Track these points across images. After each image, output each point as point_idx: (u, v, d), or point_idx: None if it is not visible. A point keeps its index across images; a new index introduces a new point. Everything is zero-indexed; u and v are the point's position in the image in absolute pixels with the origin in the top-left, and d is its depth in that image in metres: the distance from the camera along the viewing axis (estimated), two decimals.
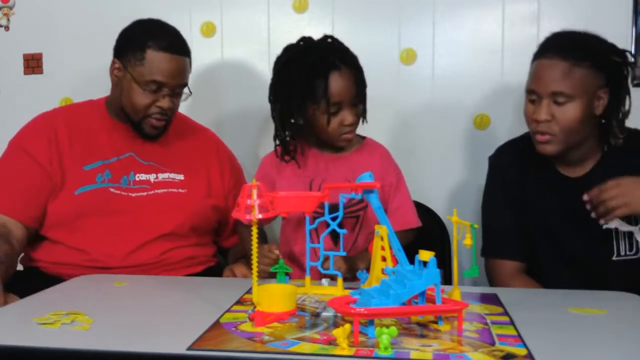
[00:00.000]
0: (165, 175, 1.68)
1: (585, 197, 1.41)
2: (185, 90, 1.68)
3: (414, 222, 1.59)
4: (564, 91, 1.42)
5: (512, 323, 1.10)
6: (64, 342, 1.00)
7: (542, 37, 1.92)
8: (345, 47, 1.55)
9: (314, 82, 1.48)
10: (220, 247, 1.83)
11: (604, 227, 1.43)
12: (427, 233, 1.73)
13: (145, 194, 1.63)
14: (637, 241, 1.48)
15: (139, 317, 1.18)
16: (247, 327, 1.06)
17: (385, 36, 2.02)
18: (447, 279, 1.57)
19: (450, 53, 2.01)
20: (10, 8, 2.23)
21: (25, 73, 2.23)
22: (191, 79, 2.13)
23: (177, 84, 1.63)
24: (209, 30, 2.12)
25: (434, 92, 2.00)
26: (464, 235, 1.12)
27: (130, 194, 1.62)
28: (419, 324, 1.08)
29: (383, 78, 1.97)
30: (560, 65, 1.43)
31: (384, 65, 2.01)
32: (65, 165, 1.61)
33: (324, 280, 1.34)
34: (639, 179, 1.40)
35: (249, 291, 1.24)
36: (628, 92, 1.48)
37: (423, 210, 1.81)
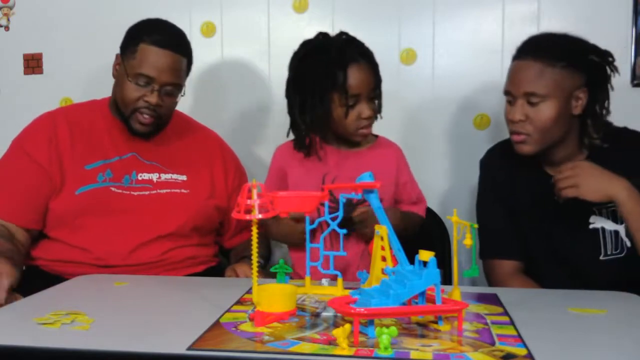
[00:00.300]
0: (168, 175, 1.68)
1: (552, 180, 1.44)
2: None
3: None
4: (536, 91, 1.44)
5: (512, 323, 1.10)
6: (64, 342, 1.00)
7: None
8: (362, 43, 1.57)
9: (334, 74, 1.49)
10: (222, 247, 1.83)
11: (591, 226, 1.46)
12: (427, 233, 1.74)
13: (147, 193, 1.63)
14: (622, 240, 1.49)
15: (139, 317, 1.18)
16: (247, 327, 1.06)
17: (385, 36, 2.02)
18: (447, 279, 1.57)
19: (450, 53, 2.01)
20: (10, 8, 2.23)
21: (25, 73, 2.23)
22: (191, 79, 2.14)
23: (167, 81, 1.61)
24: (209, 30, 2.13)
25: (434, 92, 2.00)
26: (464, 235, 1.12)
27: (132, 192, 1.62)
28: (419, 324, 1.08)
29: (383, 78, 1.95)
30: (533, 66, 1.45)
31: (384, 65, 1.97)
32: (65, 165, 1.62)
33: (324, 280, 1.34)
34: (598, 167, 1.42)
35: (249, 291, 1.24)
36: (607, 93, 1.50)
37: None
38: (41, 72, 2.22)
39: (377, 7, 2.03)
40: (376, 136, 1.66)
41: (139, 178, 1.65)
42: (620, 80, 1.90)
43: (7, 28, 2.23)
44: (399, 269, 1.10)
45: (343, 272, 1.30)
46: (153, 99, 1.60)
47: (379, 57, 1.98)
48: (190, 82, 2.12)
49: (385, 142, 1.66)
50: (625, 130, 1.56)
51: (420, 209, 1.67)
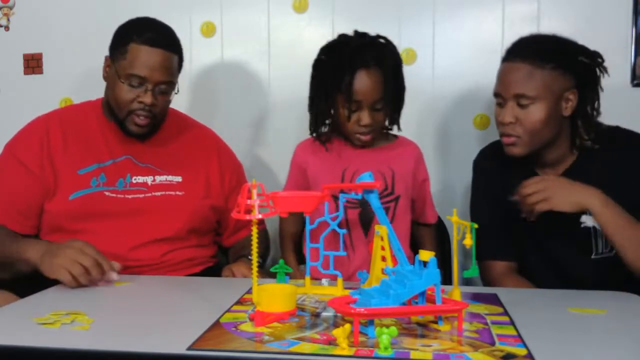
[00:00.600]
0: (163, 177, 1.66)
1: (513, 198, 1.44)
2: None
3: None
4: (525, 93, 1.44)
5: (512, 323, 1.10)
6: (64, 342, 1.00)
7: None
8: (385, 49, 1.57)
9: (342, 75, 1.51)
10: (221, 246, 1.83)
11: (582, 226, 1.46)
12: None
13: (142, 196, 1.62)
14: None
15: (139, 317, 1.18)
16: (247, 327, 1.06)
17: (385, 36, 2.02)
18: (447, 279, 1.57)
19: (450, 53, 2.01)
20: (10, 8, 2.23)
21: (25, 73, 2.23)
22: (191, 78, 2.14)
23: (160, 80, 1.59)
24: (209, 30, 2.12)
25: (434, 92, 2.00)
26: (464, 235, 1.12)
27: (126, 196, 1.61)
28: (419, 324, 1.08)
29: None
30: (522, 68, 1.45)
31: None
32: (58, 170, 1.59)
33: (324, 280, 1.34)
34: (566, 179, 1.43)
35: (249, 291, 1.24)
36: (597, 93, 1.50)
37: None
38: (41, 72, 2.22)
39: (377, 7, 2.02)
40: (396, 136, 1.68)
41: (133, 181, 1.63)
42: (620, 80, 1.91)
43: (7, 28, 2.23)
44: (399, 269, 1.11)
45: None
46: (147, 99, 1.58)
47: None
48: (190, 82, 2.13)
49: (405, 141, 1.68)
50: (617, 129, 1.56)
51: (434, 211, 1.73)
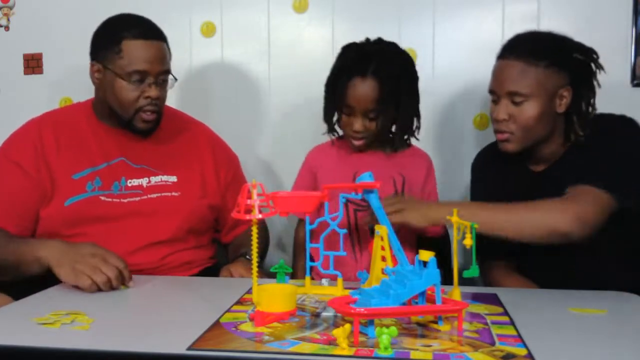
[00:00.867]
0: (158, 178, 1.64)
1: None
2: (170, 77, 1.63)
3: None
4: (519, 91, 1.45)
5: (512, 323, 1.10)
6: (64, 342, 1.00)
7: None
8: (389, 60, 1.57)
9: (339, 80, 1.56)
10: (220, 242, 1.82)
11: None
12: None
13: (138, 199, 1.60)
14: None
15: (139, 317, 1.18)
16: (247, 327, 1.06)
17: (385, 36, 2.00)
18: (447, 279, 1.57)
19: (450, 53, 2.01)
20: (10, 8, 2.23)
21: (25, 73, 2.23)
22: (191, 78, 2.14)
23: (160, 71, 1.58)
24: (209, 30, 2.12)
25: (434, 92, 2.00)
26: (464, 235, 1.12)
27: (122, 200, 1.59)
28: (419, 324, 1.08)
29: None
30: (516, 65, 1.46)
31: None
32: (54, 174, 1.57)
33: (324, 280, 1.34)
34: (424, 200, 1.50)
35: (249, 291, 1.24)
36: (592, 90, 1.50)
37: None
38: (41, 72, 2.22)
39: (377, 7, 2.02)
40: (409, 144, 1.69)
41: (129, 184, 1.61)
42: (620, 80, 1.91)
43: (7, 28, 2.23)
44: (399, 269, 1.11)
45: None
46: (153, 92, 1.57)
47: None
48: (189, 82, 2.13)
49: (418, 151, 1.71)
50: (600, 117, 1.55)
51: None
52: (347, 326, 0.96)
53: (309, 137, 2.03)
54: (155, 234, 1.59)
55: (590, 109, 1.51)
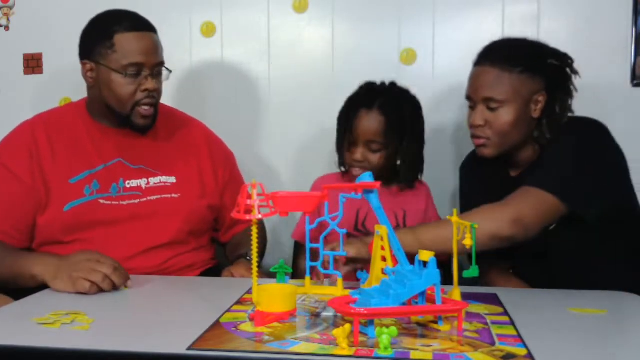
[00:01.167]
0: (157, 179, 1.63)
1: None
2: (165, 69, 1.62)
3: None
4: (494, 97, 1.47)
5: (512, 323, 1.10)
6: (64, 342, 1.00)
7: (542, 37, 1.91)
8: (395, 98, 1.67)
9: (348, 113, 1.66)
10: (219, 242, 1.81)
11: None
12: None
13: (137, 201, 1.58)
14: None
15: (139, 317, 1.18)
16: (247, 327, 1.06)
17: (385, 36, 2.02)
18: (447, 279, 1.57)
19: (450, 53, 2.01)
20: (10, 8, 2.23)
21: (25, 73, 2.23)
22: (191, 78, 2.14)
23: (154, 62, 1.57)
24: (209, 30, 2.12)
25: (434, 92, 2.00)
26: (464, 235, 1.12)
27: (121, 202, 1.57)
28: (419, 324, 1.08)
29: (383, 78, 1.97)
30: (491, 72, 1.49)
31: (384, 65, 2.00)
32: (49, 179, 1.54)
33: (325, 281, 1.34)
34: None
35: (249, 291, 1.24)
36: (569, 94, 1.52)
37: None
38: (41, 72, 2.22)
39: (377, 7, 2.02)
40: (414, 185, 1.74)
41: (127, 186, 1.59)
42: (620, 80, 1.91)
43: (7, 28, 2.23)
44: (399, 269, 1.11)
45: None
46: (150, 85, 1.55)
47: (379, 57, 2.00)
48: (189, 82, 2.13)
49: (417, 184, 1.76)
50: (572, 120, 1.55)
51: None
52: (347, 326, 0.96)
53: (309, 138, 2.03)
54: (155, 238, 1.57)
55: (563, 113, 1.51)
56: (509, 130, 1.48)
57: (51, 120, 1.65)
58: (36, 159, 1.55)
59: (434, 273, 1.05)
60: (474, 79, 1.53)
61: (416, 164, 1.72)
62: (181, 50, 2.10)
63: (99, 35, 1.58)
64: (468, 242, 1.11)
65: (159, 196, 1.61)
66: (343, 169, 1.74)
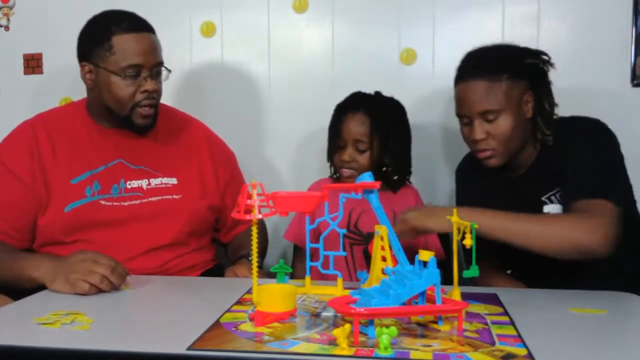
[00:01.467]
0: (158, 180, 1.62)
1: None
2: (164, 69, 1.61)
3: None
4: (490, 108, 1.48)
5: (512, 323, 1.10)
6: (64, 342, 1.00)
7: (542, 37, 1.93)
8: (381, 103, 1.73)
9: (336, 119, 1.73)
10: (220, 242, 1.81)
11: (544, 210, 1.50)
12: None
13: (138, 202, 1.58)
14: None
15: (139, 317, 1.18)
16: (247, 327, 1.06)
17: (385, 36, 2.02)
18: (447, 279, 1.57)
19: (450, 53, 2.00)
20: (10, 8, 2.23)
21: (25, 73, 2.23)
22: (191, 78, 2.14)
23: (153, 63, 1.56)
24: (209, 30, 2.12)
25: (434, 92, 2.00)
26: (464, 235, 1.12)
27: (122, 203, 1.56)
28: (419, 324, 1.08)
29: (383, 78, 1.97)
30: (480, 84, 1.49)
31: (384, 65, 2.01)
32: (50, 180, 1.54)
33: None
34: (445, 207, 1.44)
35: (249, 291, 1.24)
36: (549, 88, 1.53)
37: None
38: (41, 72, 2.22)
39: (377, 7, 2.02)
40: (403, 185, 1.77)
41: (128, 186, 1.58)
42: (620, 80, 1.91)
43: (7, 28, 2.23)
44: (399, 269, 1.11)
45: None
46: (149, 86, 1.55)
47: (378, 57, 2.00)
48: (189, 82, 2.13)
49: (406, 187, 1.79)
50: (565, 120, 1.56)
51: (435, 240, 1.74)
52: (347, 326, 0.96)
53: (309, 137, 2.03)
54: (156, 239, 1.57)
55: (552, 107, 1.53)
56: (511, 136, 1.49)
57: (52, 120, 1.64)
58: (37, 159, 1.55)
59: (434, 273, 1.05)
60: (463, 96, 1.53)
61: (402, 165, 1.74)
62: (181, 51, 2.10)
63: (96, 37, 1.57)
64: (468, 242, 1.11)
65: (160, 197, 1.61)
66: (336, 175, 1.76)
